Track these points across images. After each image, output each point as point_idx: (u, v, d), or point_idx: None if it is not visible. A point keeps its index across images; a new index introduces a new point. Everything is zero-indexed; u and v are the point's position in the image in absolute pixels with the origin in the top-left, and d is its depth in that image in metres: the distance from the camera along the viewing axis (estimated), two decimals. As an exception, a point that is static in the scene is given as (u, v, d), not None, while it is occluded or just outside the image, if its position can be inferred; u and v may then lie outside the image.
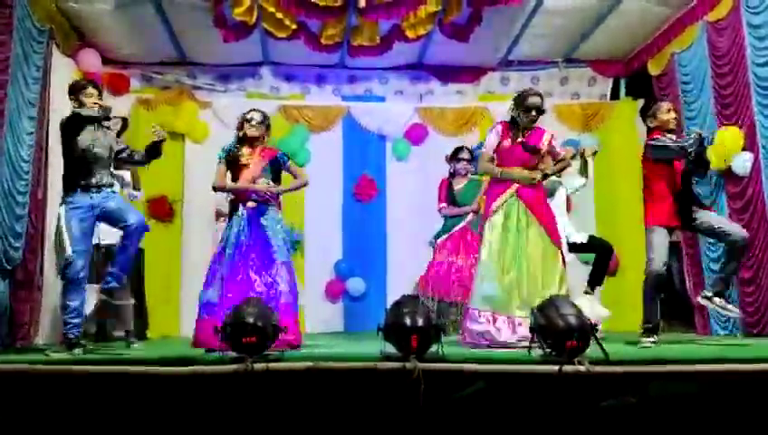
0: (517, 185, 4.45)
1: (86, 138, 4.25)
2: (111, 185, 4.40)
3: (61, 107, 6.05)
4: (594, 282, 5.22)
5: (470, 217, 5.74)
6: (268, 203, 4.45)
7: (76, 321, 4.10)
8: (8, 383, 3.30)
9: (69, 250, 4.09)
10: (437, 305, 5.49)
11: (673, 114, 4.67)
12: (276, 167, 4.54)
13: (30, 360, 3.62)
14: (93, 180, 4.22)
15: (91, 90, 4.29)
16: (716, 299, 4.46)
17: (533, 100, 4.43)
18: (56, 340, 5.62)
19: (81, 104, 4.27)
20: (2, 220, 5.17)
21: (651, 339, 4.36)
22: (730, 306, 4.41)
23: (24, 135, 5.46)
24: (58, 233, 4.19)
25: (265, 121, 4.57)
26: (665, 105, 4.79)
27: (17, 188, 5.34)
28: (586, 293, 5.15)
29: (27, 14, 5.43)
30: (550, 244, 4.41)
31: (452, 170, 5.99)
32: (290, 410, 3.24)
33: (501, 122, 4.62)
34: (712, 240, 5.57)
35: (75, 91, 4.33)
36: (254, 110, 4.62)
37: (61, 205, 4.28)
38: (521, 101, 4.47)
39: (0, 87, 5.15)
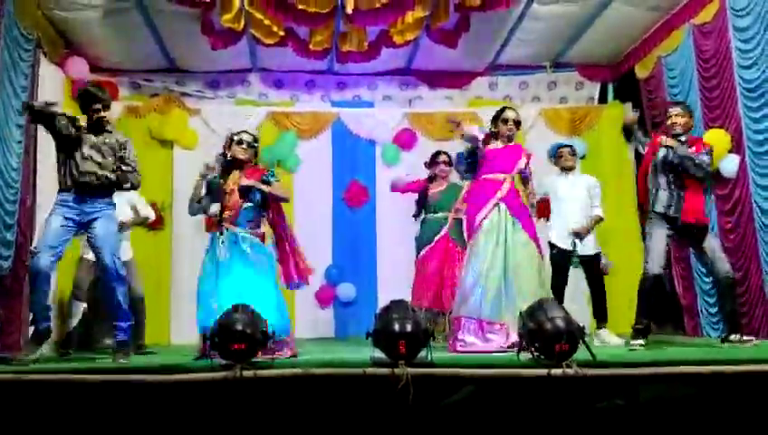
0: (503, 194, 4.52)
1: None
2: (110, 188, 4.25)
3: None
4: (600, 317, 5.32)
5: (449, 223, 5.66)
6: (252, 231, 4.36)
7: (41, 314, 4.04)
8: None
9: (35, 241, 4.06)
10: (426, 314, 5.44)
11: (674, 120, 4.64)
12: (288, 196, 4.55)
13: (15, 369, 3.59)
14: (84, 180, 4.10)
15: (95, 106, 4.21)
16: (732, 337, 4.44)
17: (509, 112, 4.73)
18: (47, 347, 5.58)
19: (93, 119, 4.26)
20: (-9, 229, 5.16)
21: (640, 341, 4.38)
22: (746, 338, 4.40)
23: (13, 143, 5.44)
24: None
25: (255, 145, 4.49)
26: (671, 110, 4.75)
27: (6, 197, 5.32)
28: (599, 328, 5.26)
29: (14, 22, 5.41)
30: (534, 249, 4.50)
31: (431, 175, 5.94)
32: (280, 417, 3.23)
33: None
34: None
35: (85, 102, 4.30)
36: (245, 132, 4.55)
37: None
38: (497, 115, 4.75)
39: (-12, 95, 5.14)
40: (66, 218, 4.09)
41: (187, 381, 3.27)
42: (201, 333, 4.17)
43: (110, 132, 4.29)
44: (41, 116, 4.15)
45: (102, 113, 4.21)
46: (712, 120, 5.66)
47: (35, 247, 4.06)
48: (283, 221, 4.57)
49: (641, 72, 6.88)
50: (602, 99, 7.74)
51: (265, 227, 4.52)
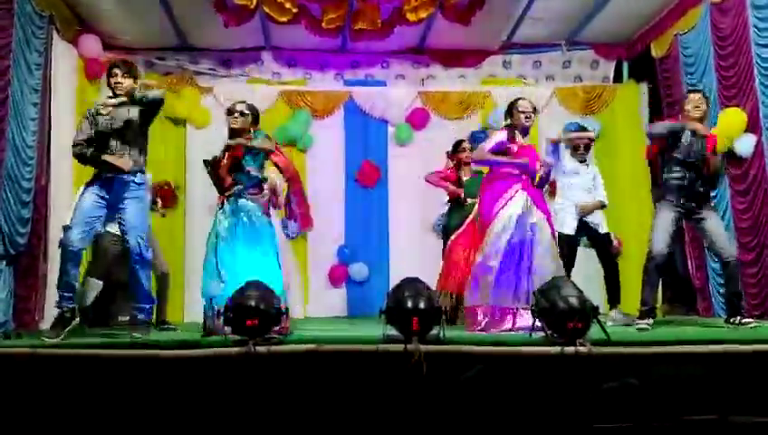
0: (522, 181, 4.42)
1: (104, 115, 4.13)
2: (140, 166, 4.19)
3: (63, 93, 6.10)
4: (613, 298, 5.32)
5: (475, 210, 5.63)
6: (250, 196, 4.36)
7: (67, 295, 4.06)
8: (12, 367, 3.32)
9: (68, 219, 4.09)
10: (456, 298, 5.44)
11: (693, 105, 4.57)
12: (272, 147, 4.45)
13: (31, 344, 3.64)
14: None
15: (114, 71, 4.19)
16: (733, 319, 4.38)
17: (524, 102, 4.56)
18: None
19: (111, 88, 4.23)
20: (8, 206, 5.20)
21: (646, 321, 4.34)
22: (746, 320, 4.37)
23: (28, 121, 5.47)
24: None
25: (250, 113, 4.43)
26: (691, 96, 4.68)
27: (23, 174, 5.36)
28: (612, 309, 5.26)
29: (27, 0, 5.41)
30: (549, 235, 4.42)
31: (455, 163, 5.91)
32: (293, 393, 3.26)
33: (503, 129, 4.62)
34: None
35: (107, 76, 4.27)
36: (241, 102, 4.51)
37: None
38: (512, 106, 4.58)
39: (3, 73, 5.15)
40: (97, 196, 4.10)
41: (201, 357, 3.31)
42: (205, 307, 4.20)
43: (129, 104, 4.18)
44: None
45: (119, 79, 4.15)
46: (728, 99, 5.59)
47: (66, 224, 4.08)
48: (290, 171, 4.60)
49: (657, 50, 6.79)
50: (617, 78, 7.64)
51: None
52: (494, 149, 4.48)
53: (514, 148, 4.48)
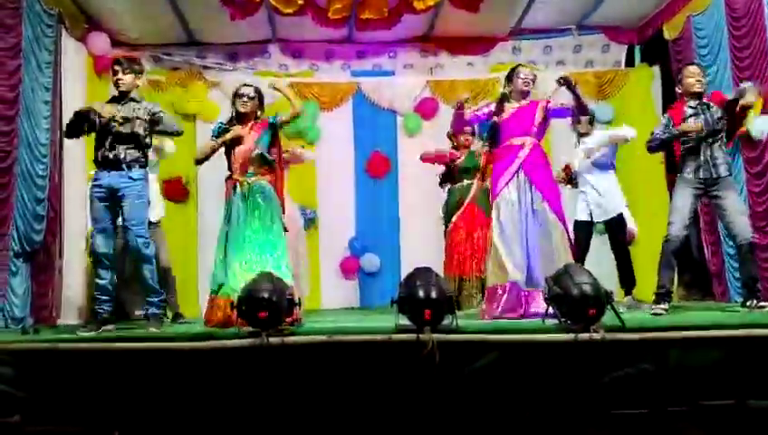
0: (521, 160, 4.42)
1: (108, 111, 4.14)
2: (138, 162, 4.21)
3: (73, 90, 6.13)
4: (627, 283, 5.29)
5: (473, 190, 5.65)
6: (264, 180, 4.35)
7: (103, 298, 4.13)
8: (40, 361, 3.36)
9: (88, 228, 4.15)
10: (458, 283, 5.46)
11: (695, 78, 4.52)
12: (272, 132, 4.42)
13: (58, 338, 3.68)
14: (110, 155, 4.12)
15: (115, 68, 4.24)
16: (749, 303, 4.33)
17: (525, 69, 4.62)
18: (80, 320, 5.71)
19: (114, 85, 4.27)
20: (23, 203, 5.26)
21: (662, 305, 4.30)
22: (762, 303, 4.31)
23: (41, 119, 5.51)
24: None
25: (257, 96, 4.43)
26: (689, 69, 4.63)
27: (36, 172, 5.41)
28: (626, 295, 5.23)
29: (35, -2, 5.44)
30: (554, 220, 4.37)
31: (455, 144, 5.91)
32: (306, 383, 3.27)
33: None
34: None
35: (111, 73, 4.31)
36: (246, 85, 4.49)
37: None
38: (512, 71, 4.62)
39: (14, 72, 5.18)
40: (100, 195, 4.14)
41: (214, 349, 3.32)
42: (211, 294, 4.21)
43: (136, 101, 4.24)
44: (76, 127, 4.18)
45: (120, 75, 4.19)
46: (742, 81, 5.49)
47: (89, 235, 4.17)
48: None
49: (670, 32, 6.70)
50: (629, 62, 7.56)
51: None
52: (481, 117, 4.65)
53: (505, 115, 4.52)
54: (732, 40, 5.64)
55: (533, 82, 4.56)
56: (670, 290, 4.47)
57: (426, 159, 6.03)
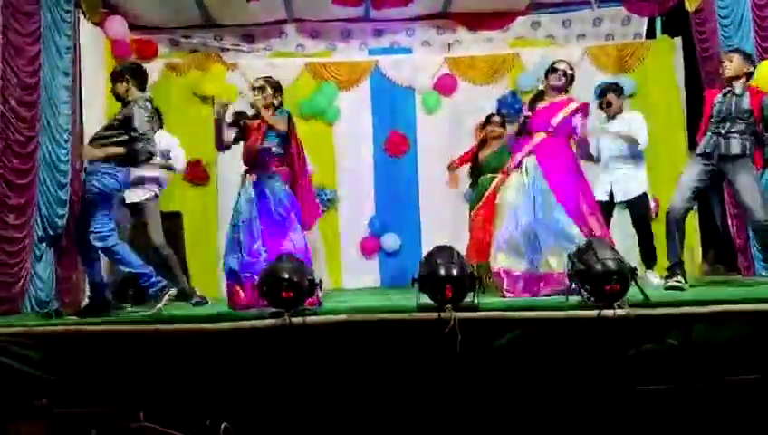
0: (530, 146, 4.41)
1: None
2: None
3: (92, 75, 6.16)
4: (649, 258, 5.22)
5: (497, 182, 5.60)
6: (272, 174, 4.35)
7: (143, 282, 4.17)
8: (66, 345, 3.41)
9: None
10: (478, 268, 5.44)
11: (724, 62, 4.45)
12: (285, 128, 4.40)
13: (66, 322, 3.74)
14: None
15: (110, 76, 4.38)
16: None
17: (559, 63, 4.55)
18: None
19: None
20: (46, 188, 5.32)
21: (676, 278, 4.22)
22: None
23: (61, 104, 5.54)
24: None
25: (268, 87, 4.40)
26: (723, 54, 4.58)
27: (59, 157, 5.46)
28: (648, 270, 5.16)
29: (52, -17, 5.45)
30: (562, 212, 4.25)
31: (483, 137, 5.85)
32: (328, 362, 3.29)
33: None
34: None
35: None
36: (260, 78, 4.50)
37: None
38: (547, 69, 4.56)
39: (34, 57, 5.21)
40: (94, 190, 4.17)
41: (237, 329, 3.35)
42: (227, 280, 4.26)
43: (127, 104, 4.27)
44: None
45: (116, 82, 4.28)
46: (765, 51, 5.39)
47: None
48: (298, 159, 4.54)
49: (691, 3, 6.51)
50: (650, 34, 7.41)
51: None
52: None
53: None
54: (755, 9, 5.51)
55: (567, 77, 4.49)
56: (680, 260, 4.36)
57: (453, 167, 5.96)
